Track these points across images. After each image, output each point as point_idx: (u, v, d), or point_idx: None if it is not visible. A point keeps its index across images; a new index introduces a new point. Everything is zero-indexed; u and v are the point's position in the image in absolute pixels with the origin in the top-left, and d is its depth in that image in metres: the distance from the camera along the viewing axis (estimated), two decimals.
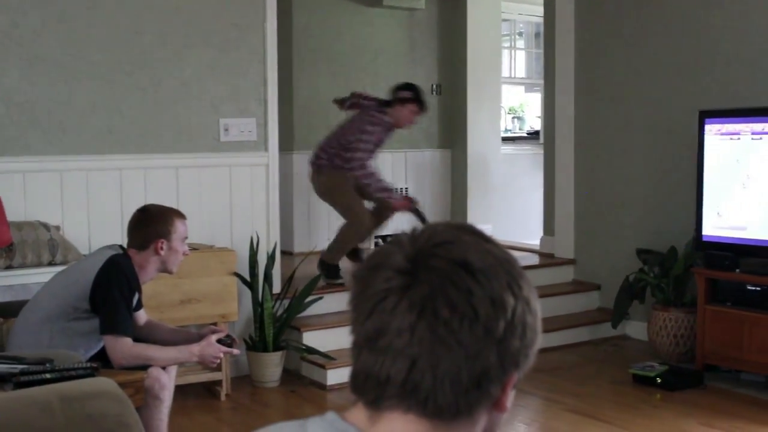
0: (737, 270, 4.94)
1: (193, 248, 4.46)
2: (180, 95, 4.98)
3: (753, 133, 4.92)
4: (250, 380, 5.00)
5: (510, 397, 1.04)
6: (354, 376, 1.03)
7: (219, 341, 3.38)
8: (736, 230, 4.99)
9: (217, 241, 4.98)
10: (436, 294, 0.97)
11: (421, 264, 0.99)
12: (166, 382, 3.33)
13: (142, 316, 3.58)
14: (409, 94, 5.56)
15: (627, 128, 6.10)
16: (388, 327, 0.98)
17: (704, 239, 5.12)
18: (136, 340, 3.32)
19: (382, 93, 7.29)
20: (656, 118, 5.87)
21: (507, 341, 0.99)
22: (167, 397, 3.35)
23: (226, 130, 5.13)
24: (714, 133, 5.09)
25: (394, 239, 1.05)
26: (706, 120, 5.13)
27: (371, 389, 1.00)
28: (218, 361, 3.47)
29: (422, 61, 7.59)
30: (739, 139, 4.98)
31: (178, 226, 3.41)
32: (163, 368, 3.36)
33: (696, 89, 5.57)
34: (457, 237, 1.03)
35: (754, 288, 4.86)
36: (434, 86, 7.65)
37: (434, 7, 7.62)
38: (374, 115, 5.51)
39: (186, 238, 3.47)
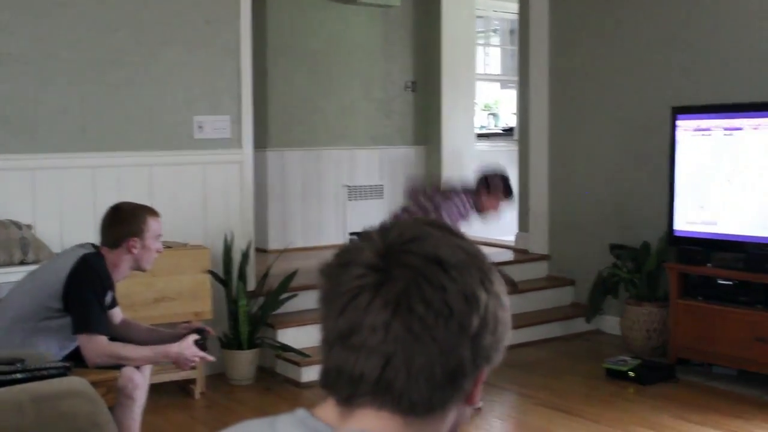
0: (709, 264, 4.99)
1: (167, 246, 4.43)
2: (153, 93, 4.96)
3: (725, 129, 4.97)
4: (224, 378, 4.99)
5: (480, 391, 1.04)
6: (325, 372, 1.02)
7: (195, 342, 3.36)
8: (708, 225, 5.03)
9: (191, 239, 4.96)
10: (411, 290, 0.97)
11: (393, 260, 0.99)
12: (139, 382, 3.32)
13: (117, 314, 3.57)
14: (499, 183, 4.94)
15: (601, 124, 6.14)
16: (362, 324, 0.97)
17: (676, 234, 5.17)
18: (112, 339, 3.31)
19: (357, 90, 7.32)
20: (630, 115, 5.91)
21: (480, 336, 0.99)
22: (140, 396, 3.34)
23: (200, 127, 5.11)
24: (686, 129, 5.13)
25: (364, 235, 1.05)
26: (678, 116, 5.17)
27: (343, 386, 1.00)
28: (193, 365, 3.46)
29: (397, 58, 7.60)
30: (710, 135, 5.03)
31: (151, 223, 3.39)
32: (137, 367, 3.35)
33: (669, 86, 5.62)
34: (428, 232, 1.02)
35: (725, 282, 4.91)
36: (409, 83, 7.66)
37: (409, 4, 7.62)
38: (463, 196, 4.87)
39: (160, 235, 3.45)
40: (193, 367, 4.12)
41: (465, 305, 0.98)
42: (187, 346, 3.32)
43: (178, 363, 3.37)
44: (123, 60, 4.85)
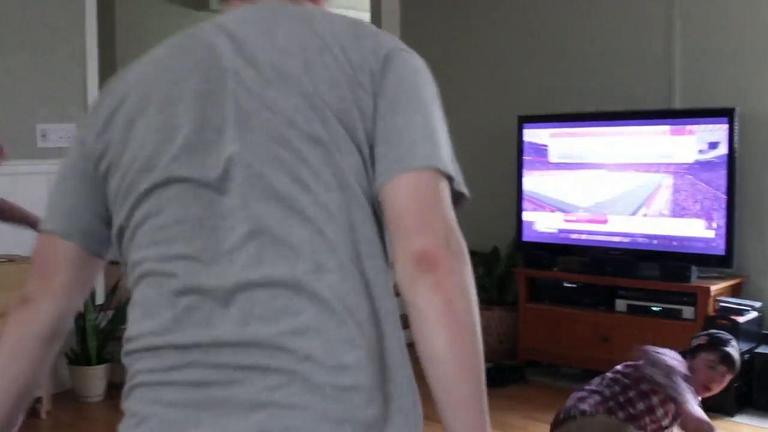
0: (555, 269, 5.17)
1: (9, 260, 4.28)
2: None
3: (569, 137, 5.16)
4: (73, 395, 4.82)
5: None
6: None
7: None
8: (553, 231, 5.22)
9: None
10: None
11: None
12: None
13: None
14: (716, 356, 3.38)
15: (452, 132, 6.18)
16: None
17: (524, 240, 5.33)
18: None
19: None
20: (480, 123, 6.05)
21: None
22: None
23: (44, 136, 4.93)
24: (532, 137, 5.30)
25: None
26: (525, 124, 5.34)
27: None
28: None
29: None
30: (556, 143, 5.21)
31: None
32: None
33: (517, 95, 5.79)
34: None
35: (570, 285, 5.10)
36: None
37: None
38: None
39: None
40: None
41: None
42: None
43: None
44: None
